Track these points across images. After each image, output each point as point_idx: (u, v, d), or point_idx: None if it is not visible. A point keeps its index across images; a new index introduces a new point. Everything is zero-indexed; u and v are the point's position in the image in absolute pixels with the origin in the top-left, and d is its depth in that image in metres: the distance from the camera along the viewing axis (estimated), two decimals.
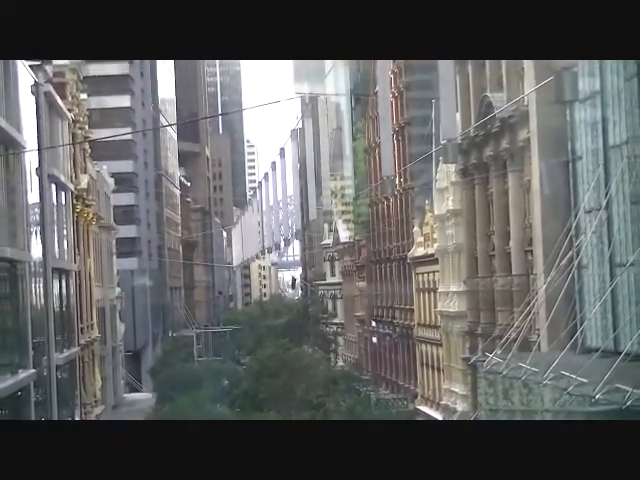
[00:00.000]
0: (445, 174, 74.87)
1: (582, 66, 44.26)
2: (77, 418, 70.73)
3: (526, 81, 54.67)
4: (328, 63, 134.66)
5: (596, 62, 43.39)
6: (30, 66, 58.73)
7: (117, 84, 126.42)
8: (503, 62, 58.30)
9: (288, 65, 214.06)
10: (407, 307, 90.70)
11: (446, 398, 76.06)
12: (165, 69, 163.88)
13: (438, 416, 77.38)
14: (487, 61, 60.63)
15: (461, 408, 69.96)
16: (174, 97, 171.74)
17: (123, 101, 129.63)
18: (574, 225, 44.37)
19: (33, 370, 54.66)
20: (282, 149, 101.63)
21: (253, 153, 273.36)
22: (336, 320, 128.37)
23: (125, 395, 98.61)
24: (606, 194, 42.36)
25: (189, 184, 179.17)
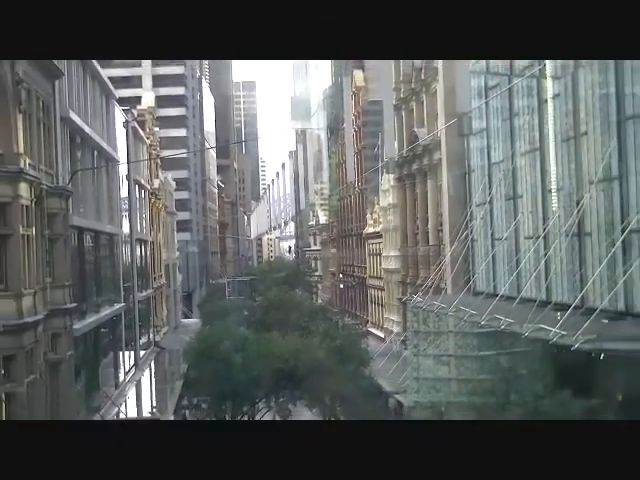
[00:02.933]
0: (387, 180, 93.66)
1: (474, 112, 57.55)
2: (151, 335, 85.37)
3: (439, 121, 67.55)
4: (314, 106, 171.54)
5: (484, 107, 55.34)
6: (123, 109, 75.30)
7: (177, 121, 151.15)
8: (424, 108, 74.15)
9: (287, 108, 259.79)
10: (362, 265, 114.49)
11: (386, 324, 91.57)
12: (209, 111, 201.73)
13: (380, 334, 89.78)
14: (414, 107, 77.38)
15: (396, 329, 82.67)
16: (214, 129, 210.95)
17: (182, 132, 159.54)
18: (469, 214, 56.34)
19: (123, 304, 66.23)
20: (283, 163, 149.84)
21: (264, 166, 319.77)
22: (317, 273, 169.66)
23: (182, 320, 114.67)
24: (489, 194, 53.49)
25: (223, 186, 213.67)
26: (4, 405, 32.69)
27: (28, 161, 36.54)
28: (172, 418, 60.75)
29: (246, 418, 62.00)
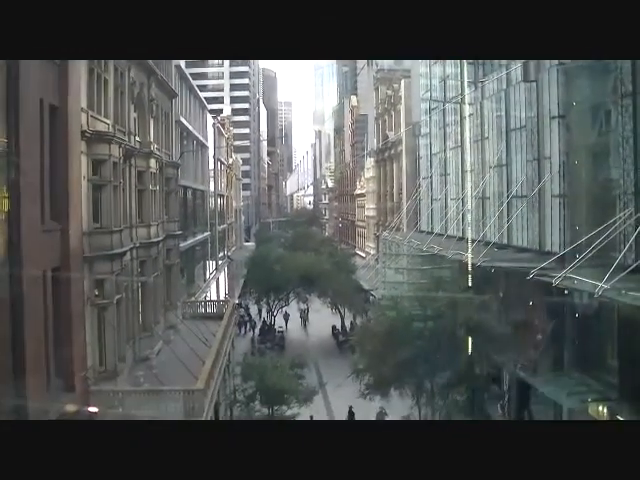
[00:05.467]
0: (369, 162, 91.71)
1: (422, 122, 56.62)
2: (225, 252, 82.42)
3: (401, 127, 66.81)
4: (326, 116, 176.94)
5: (428, 119, 54.65)
6: (212, 116, 75.90)
7: (244, 124, 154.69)
8: (393, 120, 72.46)
9: (311, 117, 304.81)
10: (353, 213, 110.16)
11: (367, 249, 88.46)
12: (263, 118, 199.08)
13: (363, 255, 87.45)
14: (387, 118, 75.75)
15: (372, 252, 79.03)
16: (266, 129, 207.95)
17: (246, 130, 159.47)
18: (418, 183, 56.93)
19: (209, 232, 65.64)
20: (307, 152, 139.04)
21: (296, 151, 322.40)
22: (326, 218, 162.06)
23: (244, 243, 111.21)
24: (430, 172, 53.58)
25: (270, 163, 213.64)
26: (140, 290, 33.14)
27: (155, 146, 37.13)
28: (237, 301, 62.35)
29: (282, 304, 63.95)
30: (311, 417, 34.22)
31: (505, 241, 35.61)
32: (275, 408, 33.97)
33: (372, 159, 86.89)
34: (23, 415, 17.74)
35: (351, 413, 36.19)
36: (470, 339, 31.19)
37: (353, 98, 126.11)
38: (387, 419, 34.84)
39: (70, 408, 21.74)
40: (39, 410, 18.82)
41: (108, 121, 27.87)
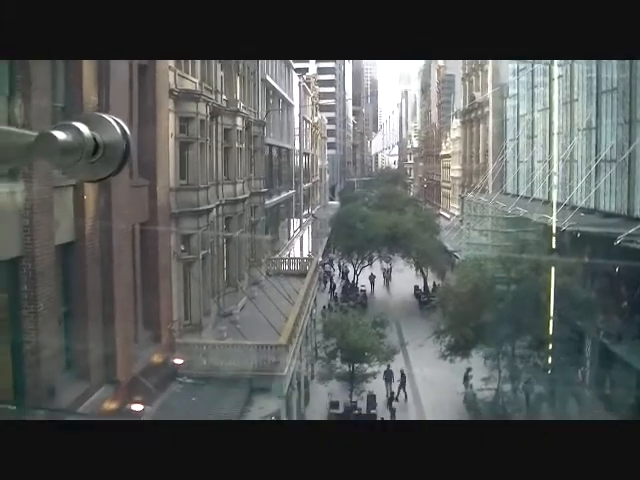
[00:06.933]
0: (455, 123, 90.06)
1: (510, 83, 55.99)
2: (309, 210, 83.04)
3: (488, 88, 66.18)
4: (413, 75, 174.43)
5: (516, 80, 53.87)
6: (297, 75, 74.74)
7: (329, 83, 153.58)
8: (480, 80, 71.39)
9: (397, 76, 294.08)
10: (438, 174, 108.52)
11: (451, 210, 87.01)
12: (348, 77, 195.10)
13: (448, 215, 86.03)
14: (474, 79, 74.84)
15: (456, 214, 77.64)
16: (351, 88, 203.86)
17: (331, 89, 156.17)
18: (504, 145, 56.41)
19: (294, 190, 66.46)
20: (392, 111, 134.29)
21: (381, 111, 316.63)
22: (410, 177, 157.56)
23: (328, 202, 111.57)
24: (517, 134, 53.15)
25: (356, 122, 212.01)
26: (225, 246, 33.56)
27: (242, 104, 37.45)
28: (320, 259, 62.63)
29: (366, 263, 64.11)
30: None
31: (592, 205, 35.04)
32: (356, 366, 34.33)
33: (458, 120, 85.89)
34: (112, 364, 18.42)
35: (372, 397, 35.12)
36: (553, 303, 30.82)
37: None
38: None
39: (157, 358, 22.62)
40: (130, 357, 19.69)
41: (195, 79, 28.17)
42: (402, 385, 36.48)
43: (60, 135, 1.34)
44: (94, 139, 1.39)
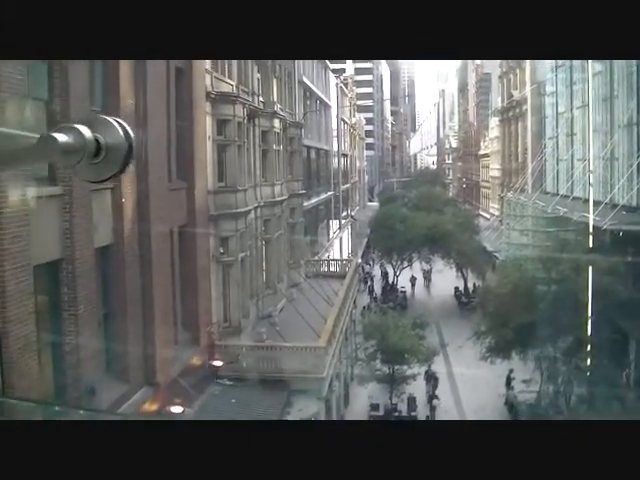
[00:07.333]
0: (493, 121, 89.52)
1: (548, 80, 55.86)
2: (348, 211, 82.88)
3: (526, 86, 66.05)
4: (450, 75, 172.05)
5: (554, 77, 53.59)
6: (334, 75, 74.15)
7: (367, 83, 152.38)
8: (517, 78, 71.14)
9: (435, 76, 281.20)
10: (477, 174, 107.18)
11: (490, 210, 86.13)
12: (386, 77, 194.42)
13: (487, 216, 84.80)
14: (511, 77, 74.38)
15: (496, 213, 77.26)
16: (389, 88, 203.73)
17: (369, 90, 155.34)
18: (543, 144, 56.26)
19: (332, 192, 66.34)
20: (430, 111, 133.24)
21: (419, 110, 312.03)
22: (449, 177, 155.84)
23: (367, 203, 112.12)
24: (556, 132, 53.20)
25: (394, 122, 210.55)
26: (264, 248, 33.79)
27: (279, 106, 37.51)
28: (359, 261, 62.56)
29: (405, 264, 63.87)
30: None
31: (634, 203, 34.54)
32: (396, 367, 34.25)
33: (496, 118, 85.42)
34: (151, 366, 18.65)
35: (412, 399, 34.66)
36: (594, 304, 30.50)
37: None
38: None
39: (196, 360, 22.79)
40: (169, 359, 19.77)
41: (232, 82, 28.31)
42: (434, 387, 36.02)
43: (61, 137, 1.38)
44: (97, 141, 1.43)
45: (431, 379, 35.94)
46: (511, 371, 34.73)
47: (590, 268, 31.58)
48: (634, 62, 34.81)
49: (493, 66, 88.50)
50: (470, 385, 36.48)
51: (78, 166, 1.41)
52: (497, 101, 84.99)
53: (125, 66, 17.05)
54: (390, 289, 62.80)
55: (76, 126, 1.42)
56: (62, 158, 1.37)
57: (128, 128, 1.48)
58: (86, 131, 1.41)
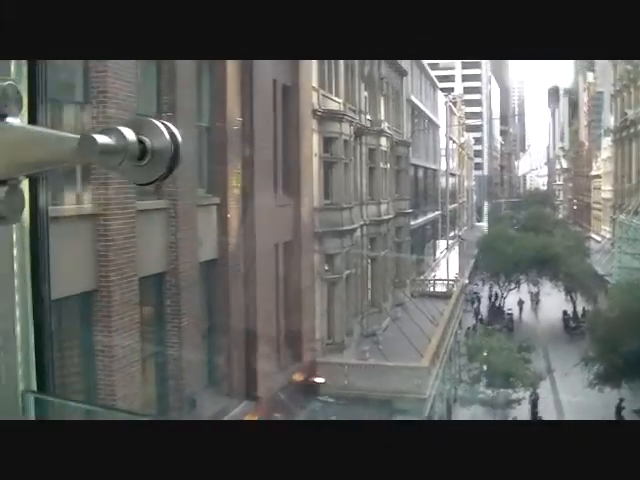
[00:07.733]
0: (606, 141, 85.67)
1: None
2: (456, 231, 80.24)
3: None
4: (561, 94, 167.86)
5: None
6: (443, 93, 72.72)
7: (476, 103, 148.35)
8: (632, 96, 67.15)
9: (544, 93, 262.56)
10: (588, 195, 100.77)
11: (602, 232, 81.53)
12: (495, 96, 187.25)
13: (598, 238, 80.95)
14: (625, 95, 70.72)
15: (608, 236, 73.64)
16: (498, 107, 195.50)
17: (478, 109, 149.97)
18: None
19: (440, 211, 64.78)
20: (540, 131, 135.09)
21: (529, 130, 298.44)
22: (559, 198, 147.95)
23: (475, 223, 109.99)
24: None
25: (503, 142, 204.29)
26: (369, 267, 33.65)
27: (386, 124, 37.44)
28: (466, 281, 61.93)
29: (512, 286, 62.88)
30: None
31: None
32: (500, 391, 33.57)
33: (609, 138, 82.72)
34: (253, 380, 18.78)
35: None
36: None
37: (589, 75, 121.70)
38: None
39: (298, 376, 22.99)
40: (271, 374, 20.05)
41: (339, 100, 28.49)
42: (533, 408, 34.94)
43: (101, 138, 1.39)
44: (142, 143, 1.43)
45: (536, 404, 35.04)
46: (621, 400, 33.54)
47: None
48: None
49: (606, 84, 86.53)
50: (576, 414, 35.27)
51: (123, 168, 1.42)
52: (610, 120, 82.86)
53: (233, 83, 17.29)
54: (497, 311, 61.76)
55: (118, 128, 1.41)
56: (101, 159, 1.39)
57: (175, 131, 1.46)
58: (128, 133, 1.41)
